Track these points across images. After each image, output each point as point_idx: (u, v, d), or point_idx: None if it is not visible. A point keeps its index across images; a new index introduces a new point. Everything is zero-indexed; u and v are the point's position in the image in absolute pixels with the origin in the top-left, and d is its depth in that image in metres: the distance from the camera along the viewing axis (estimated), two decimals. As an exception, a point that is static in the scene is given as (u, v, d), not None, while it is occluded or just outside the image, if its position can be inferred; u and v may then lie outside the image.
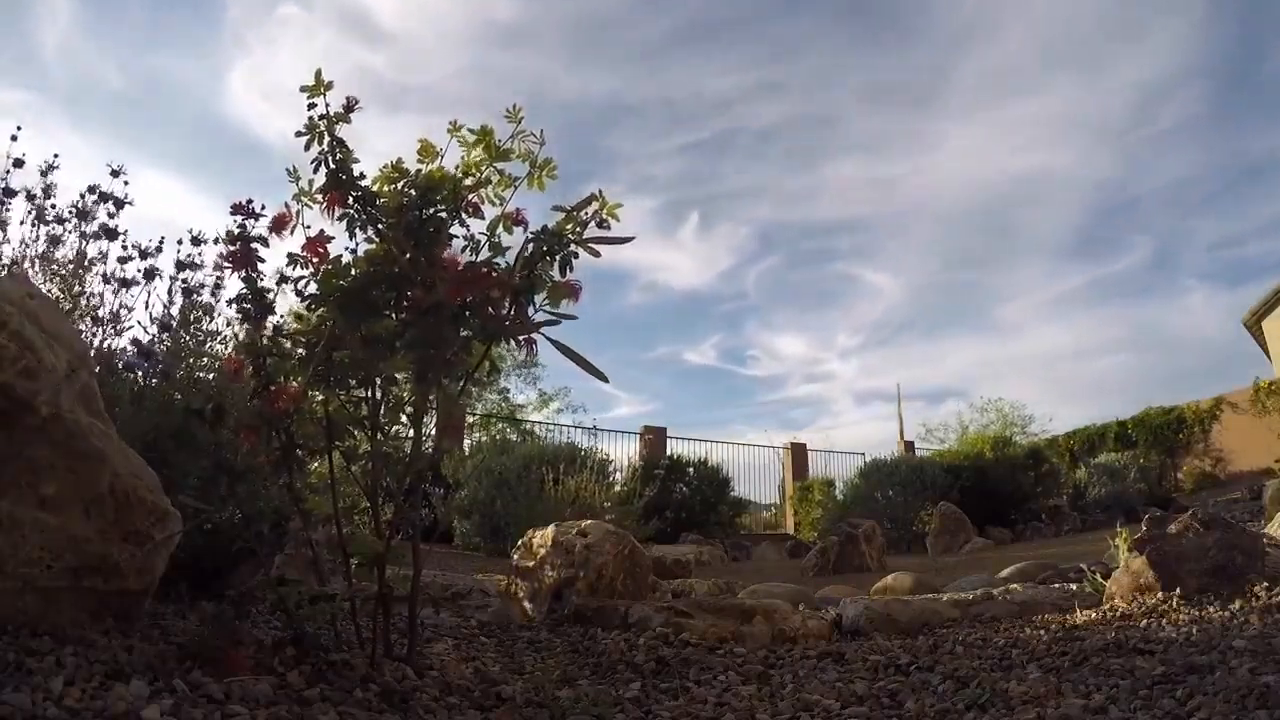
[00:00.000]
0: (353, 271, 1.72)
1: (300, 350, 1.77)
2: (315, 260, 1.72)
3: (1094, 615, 2.50)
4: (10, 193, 2.87)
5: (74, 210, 2.95)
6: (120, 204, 2.97)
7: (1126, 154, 23.87)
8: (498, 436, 11.76)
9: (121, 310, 2.89)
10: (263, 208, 1.75)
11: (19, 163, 2.92)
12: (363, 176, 1.73)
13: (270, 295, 1.76)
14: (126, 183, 3.06)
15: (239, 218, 1.73)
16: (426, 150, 1.76)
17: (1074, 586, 3.03)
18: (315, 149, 1.70)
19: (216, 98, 22.66)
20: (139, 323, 2.89)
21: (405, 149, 1.75)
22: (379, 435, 1.77)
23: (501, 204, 1.80)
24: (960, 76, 23.16)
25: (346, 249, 1.75)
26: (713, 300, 30.42)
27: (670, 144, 26.89)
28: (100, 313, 2.86)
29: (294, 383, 1.70)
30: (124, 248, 2.97)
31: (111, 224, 2.95)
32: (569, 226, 1.72)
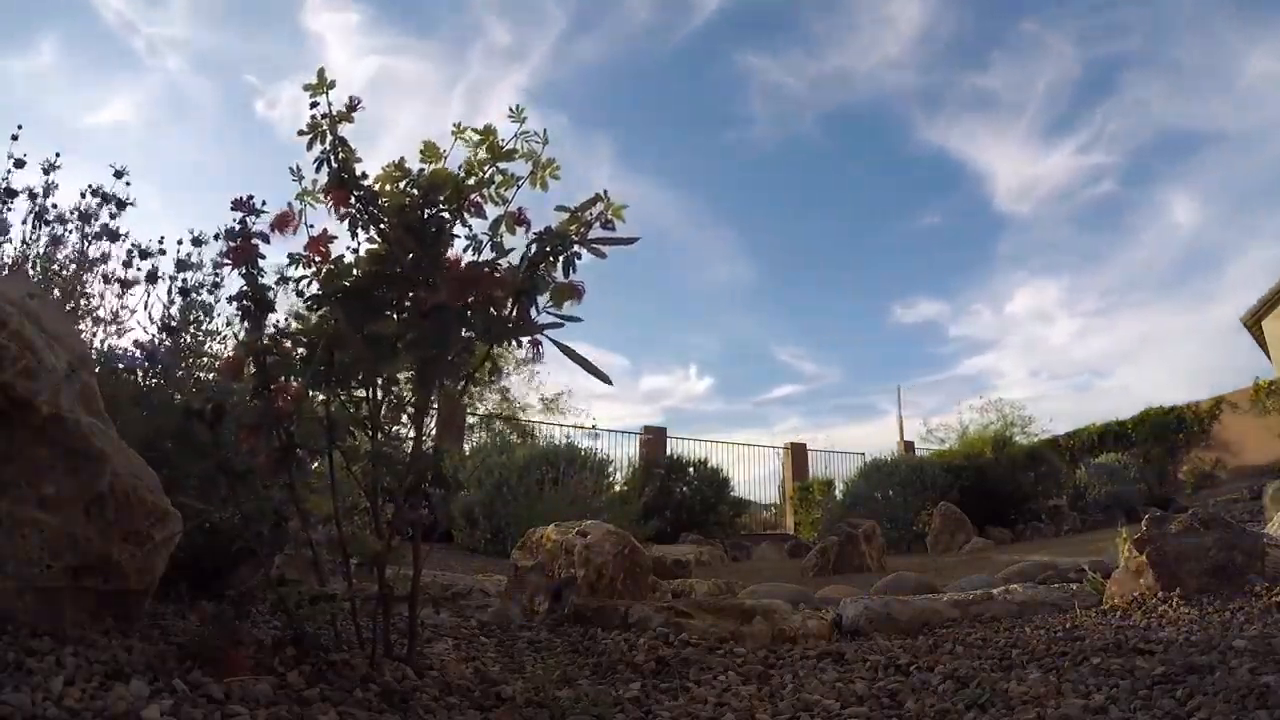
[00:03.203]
0: (355, 271, 1.72)
1: (301, 350, 1.77)
2: (317, 260, 1.72)
3: (1094, 615, 2.50)
4: (11, 193, 2.87)
5: (75, 211, 2.96)
6: (122, 205, 2.98)
7: None
8: (498, 437, 11.76)
9: (122, 311, 2.90)
10: (264, 204, 1.75)
11: (20, 163, 2.92)
12: (365, 176, 1.73)
13: (271, 293, 1.76)
14: (129, 183, 3.07)
15: (240, 214, 1.73)
16: (429, 150, 1.76)
17: (1074, 586, 3.03)
18: (318, 148, 1.70)
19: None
20: (139, 323, 2.90)
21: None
22: (380, 435, 1.77)
23: (504, 204, 1.80)
24: None
25: (349, 249, 1.75)
26: (1012, 228, 26.87)
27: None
28: (100, 313, 2.86)
29: (295, 382, 1.70)
30: (128, 253, 2.98)
31: (113, 225, 2.96)
32: (573, 227, 1.72)
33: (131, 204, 3.03)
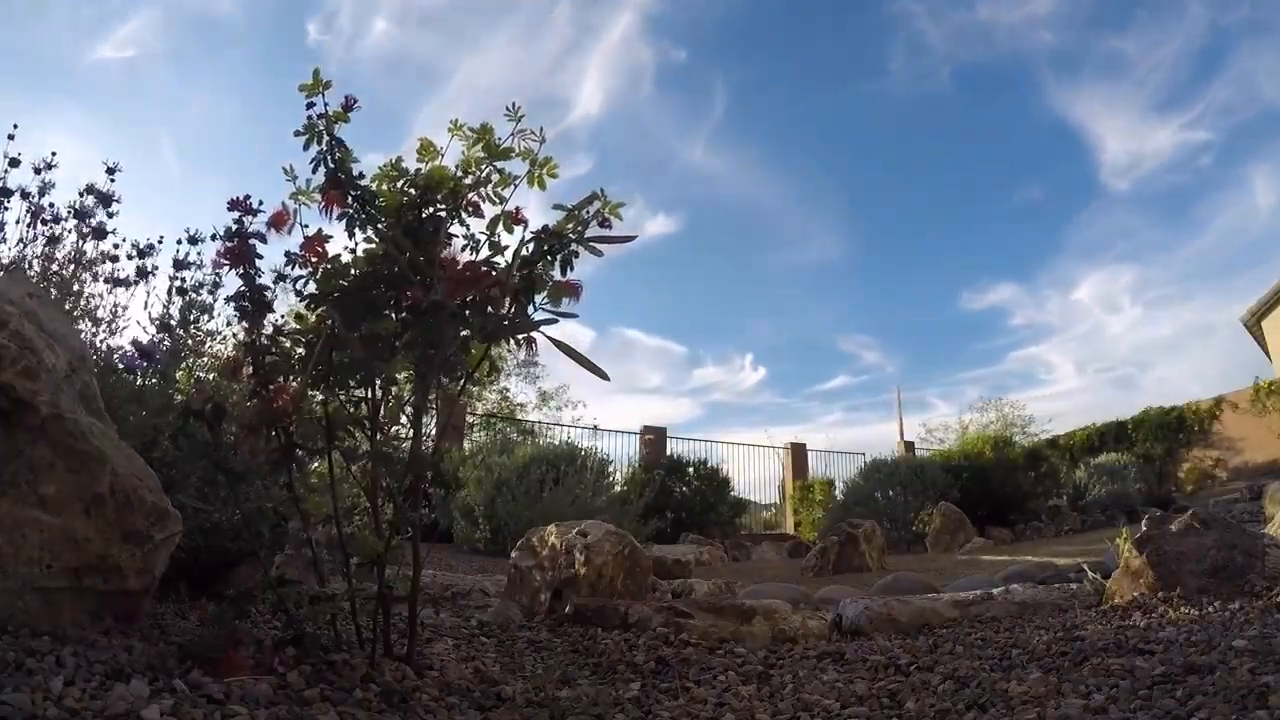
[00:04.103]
0: (352, 271, 1.72)
1: (300, 350, 1.77)
2: (314, 260, 1.72)
3: (1094, 615, 2.50)
4: (7, 192, 2.87)
5: (71, 210, 2.96)
6: (109, 200, 2.98)
7: None
8: (498, 437, 11.77)
9: (119, 309, 2.90)
10: (260, 204, 1.74)
11: (15, 162, 2.92)
12: (362, 176, 1.73)
13: (269, 293, 1.76)
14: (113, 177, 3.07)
15: (236, 214, 1.73)
16: (426, 149, 1.76)
17: (1074, 586, 3.03)
18: (314, 148, 1.70)
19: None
20: (137, 322, 2.90)
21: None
22: (379, 435, 1.77)
23: (501, 203, 1.80)
24: None
25: (346, 248, 1.75)
26: (1105, 207, 25.52)
27: None
28: (99, 313, 2.87)
29: (293, 382, 1.70)
30: (115, 245, 2.98)
31: (107, 224, 2.96)
32: (569, 225, 1.72)
33: (118, 200, 3.03)
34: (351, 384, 1.78)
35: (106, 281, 2.96)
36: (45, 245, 2.93)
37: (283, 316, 1.83)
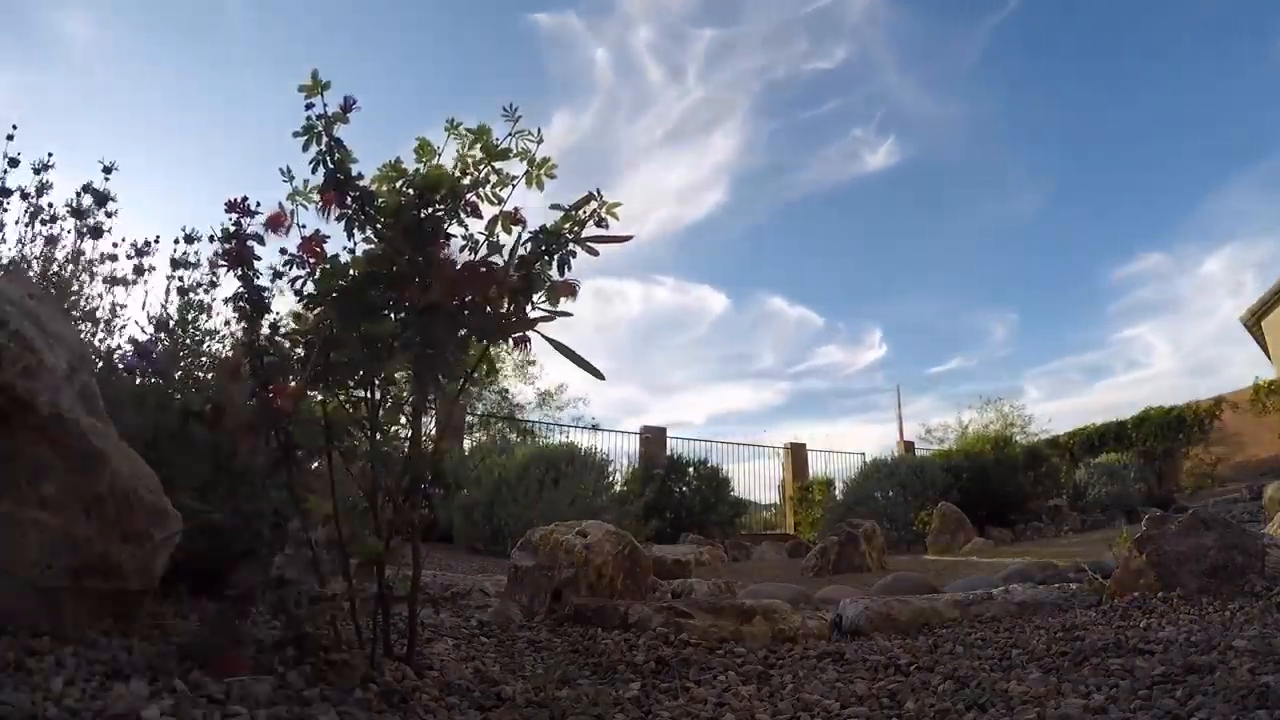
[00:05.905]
0: (351, 271, 1.72)
1: (299, 350, 1.77)
2: (312, 260, 1.72)
3: (1094, 615, 2.50)
4: (6, 192, 2.87)
5: (70, 209, 2.96)
6: (105, 200, 2.98)
7: None
8: (498, 437, 11.76)
9: (117, 309, 2.90)
10: (258, 205, 1.74)
11: (14, 162, 2.92)
12: (360, 176, 1.73)
13: (268, 294, 1.75)
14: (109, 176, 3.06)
15: (234, 215, 1.72)
16: (424, 149, 1.76)
17: (1074, 586, 3.03)
18: (313, 149, 1.70)
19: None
20: (135, 321, 2.90)
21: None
22: (378, 435, 1.77)
23: (499, 203, 1.80)
24: None
25: (344, 248, 1.75)
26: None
27: None
28: (98, 313, 2.87)
29: (292, 382, 1.70)
30: (114, 245, 2.98)
31: (105, 223, 2.96)
32: (567, 225, 1.72)
33: (114, 199, 3.02)
34: (350, 384, 1.78)
35: (105, 281, 2.96)
36: (45, 246, 2.93)
37: (282, 315, 1.83)
